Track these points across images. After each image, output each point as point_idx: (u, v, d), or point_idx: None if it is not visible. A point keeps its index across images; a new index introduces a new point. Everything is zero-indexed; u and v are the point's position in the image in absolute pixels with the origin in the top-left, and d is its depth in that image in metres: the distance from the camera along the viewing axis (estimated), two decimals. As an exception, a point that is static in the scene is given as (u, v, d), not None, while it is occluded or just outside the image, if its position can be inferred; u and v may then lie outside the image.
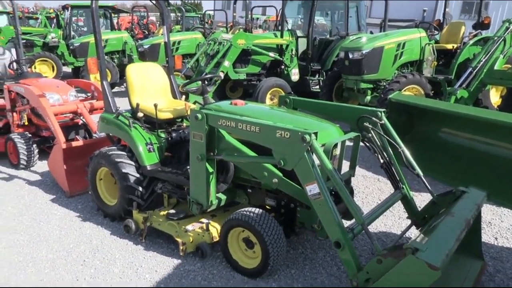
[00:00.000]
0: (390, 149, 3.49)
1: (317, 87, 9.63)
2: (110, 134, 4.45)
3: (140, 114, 4.06)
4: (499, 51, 6.24)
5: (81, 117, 5.71)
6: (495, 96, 8.48)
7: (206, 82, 4.04)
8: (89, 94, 6.22)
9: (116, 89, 11.53)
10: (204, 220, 3.68)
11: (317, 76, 9.70)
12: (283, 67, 9.53)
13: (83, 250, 3.66)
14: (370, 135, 3.48)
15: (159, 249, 3.66)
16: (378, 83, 7.96)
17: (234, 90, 10.34)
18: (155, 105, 3.90)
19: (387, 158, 3.48)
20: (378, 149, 3.47)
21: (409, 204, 3.56)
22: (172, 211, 3.90)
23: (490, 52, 6.12)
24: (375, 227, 4.10)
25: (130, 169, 3.93)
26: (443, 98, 7.78)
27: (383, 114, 3.51)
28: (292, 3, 10.96)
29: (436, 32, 8.93)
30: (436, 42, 8.86)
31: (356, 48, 7.70)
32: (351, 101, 8.77)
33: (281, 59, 9.37)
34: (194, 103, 4.56)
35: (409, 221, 3.59)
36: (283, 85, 8.95)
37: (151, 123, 4.13)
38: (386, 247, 2.68)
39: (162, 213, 3.91)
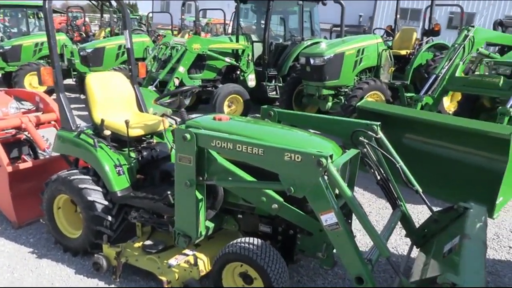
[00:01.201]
0: (386, 165, 3.31)
1: (274, 93, 9.40)
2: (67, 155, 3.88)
3: (107, 132, 3.54)
4: (458, 58, 6.36)
5: (25, 133, 4.99)
6: (446, 101, 8.77)
7: (183, 95, 3.62)
8: (23, 105, 5.46)
9: (53, 96, 10.55)
10: (189, 252, 3.24)
11: (273, 81, 9.47)
12: (239, 72, 9.22)
13: (45, 297, 3.09)
14: (365, 150, 3.26)
15: (137, 288, 3.18)
16: (339, 89, 7.89)
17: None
18: (126, 122, 3.41)
19: (384, 175, 3.28)
20: (374, 164, 3.25)
21: (407, 222, 3.40)
22: (148, 242, 3.42)
23: (452, 60, 6.21)
24: (366, 244, 3.88)
25: (96, 196, 3.40)
26: (397, 102, 7.91)
27: (378, 127, 3.30)
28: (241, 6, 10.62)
29: (390, 38, 9.07)
30: (389, 47, 8.98)
31: (317, 54, 7.56)
32: (310, 107, 8.67)
33: (237, 64, 9.04)
34: (162, 116, 4.10)
35: (401, 235, 3.42)
36: (241, 91, 8.62)
37: (118, 141, 3.63)
38: (412, 280, 2.45)
39: (136, 245, 3.42)
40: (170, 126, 3.87)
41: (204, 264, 3.12)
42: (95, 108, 3.69)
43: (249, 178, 2.82)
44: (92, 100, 3.69)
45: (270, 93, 9.37)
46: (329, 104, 7.93)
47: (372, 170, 3.27)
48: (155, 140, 3.97)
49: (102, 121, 3.59)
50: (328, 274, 3.40)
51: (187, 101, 3.65)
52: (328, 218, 2.42)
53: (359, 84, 7.38)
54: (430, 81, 6.25)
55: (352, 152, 3.07)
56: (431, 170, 4.79)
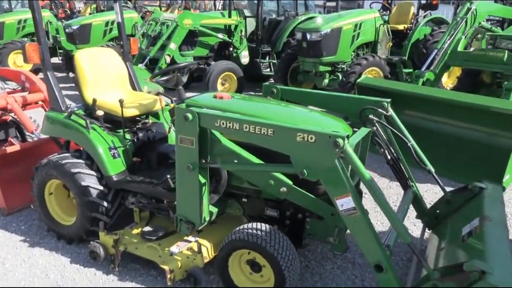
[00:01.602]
0: (397, 144, 3.14)
1: (268, 70, 9.16)
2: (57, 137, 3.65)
3: (100, 112, 3.31)
4: (460, 33, 6.16)
5: (12, 114, 4.72)
6: (444, 76, 8.58)
7: (180, 72, 3.39)
8: (8, 85, 5.15)
9: (40, 75, 10.17)
10: (191, 238, 3.07)
11: (267, 58, 9.19)
12: (232, 49, 8.93)
13: (39, 289, 2.91)
14: (375, 128, 3.08)
15: (137, 278, 3.01)
16: (336, 66, 7.67)
17: (178, 74, 9.55)
18: (121, 101, 3.18)
19: (394, 154, 3.11)
20: (384, 144, 3.08)
21: (419, 203, 3.26)
22: (147, 228, 3.24)
23: (454, 34, 6.02)
24: (372, 226, 3.74)
25: (90, 181, 3.19)
26: (393, 78, 7.72)
27: (389, 105, 3.12)
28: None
29: (387, 12, 8.82)
30: (386, 22, 8.74)
31: (313, 29, 7.29)
32: (305, 84, 8.45)
33: (230, 40, 8.75)
34: (157, 95, 3.86)
35: (408, 216, 3.28)
36: (235, 68, 8.36)
37: (112, 122, 3.40)
38: (433, 268, 2.31)
39: (135, 231, 3.24)
40: (167, 105, 3.65)
41: (207, 251, 2.97)
42: (86, 87, 3.45)
43: (255, 160, 2.63)
44: (83, 79, 3.44)
45: (264, 70, 9.14)
46: (326, 81, 7.72)
47: (382, 150, 3.10)
48: (150, 120, 3.75)
49: (94, 100, 3.36)
50: (337, 258, 3.26)
51: (184, 79, 3.44)
52: (345, 203, 2.25)
53: (357, 60, 7.16)
54: (432, 56, 6.06)
55: (363, 131, 2.91)
56: (435, 147, 4.63)
